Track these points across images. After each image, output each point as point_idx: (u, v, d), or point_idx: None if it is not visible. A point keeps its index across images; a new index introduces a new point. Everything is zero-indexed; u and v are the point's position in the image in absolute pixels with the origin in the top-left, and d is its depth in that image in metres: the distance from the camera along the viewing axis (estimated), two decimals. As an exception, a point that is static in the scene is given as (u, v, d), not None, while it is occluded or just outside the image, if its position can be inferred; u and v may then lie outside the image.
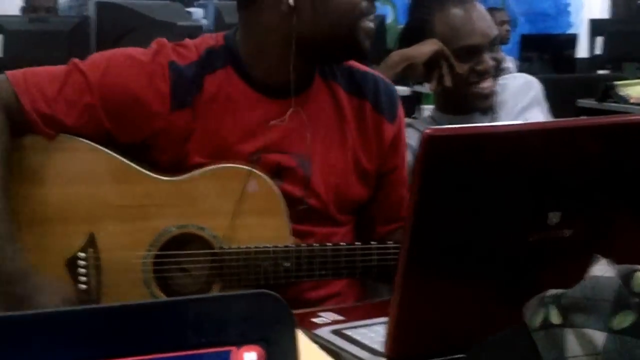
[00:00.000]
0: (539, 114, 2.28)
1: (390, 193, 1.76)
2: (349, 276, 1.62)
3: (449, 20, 2.14)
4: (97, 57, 1.63)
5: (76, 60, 1.60)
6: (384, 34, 5.58)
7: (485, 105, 2.16)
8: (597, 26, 6.23)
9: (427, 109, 5.42)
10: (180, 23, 4.32)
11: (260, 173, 1.57)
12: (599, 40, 5.99)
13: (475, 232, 1.08)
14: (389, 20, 6.54)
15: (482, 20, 2.14)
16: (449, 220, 1.06)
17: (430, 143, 0.99)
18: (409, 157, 2.15)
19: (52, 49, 4.67)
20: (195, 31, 4.34)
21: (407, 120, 2.31)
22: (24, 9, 5.37)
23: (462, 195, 1.05)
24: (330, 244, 1.57)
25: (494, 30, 2.15)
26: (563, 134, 1.10)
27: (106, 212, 1.56)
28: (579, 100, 4.47)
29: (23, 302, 1.47)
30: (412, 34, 2.21)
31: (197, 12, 6.52)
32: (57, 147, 1.57)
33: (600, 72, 6.18)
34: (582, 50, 6.42)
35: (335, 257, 1.56)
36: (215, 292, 1.55)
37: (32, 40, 4.69)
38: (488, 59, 2.12)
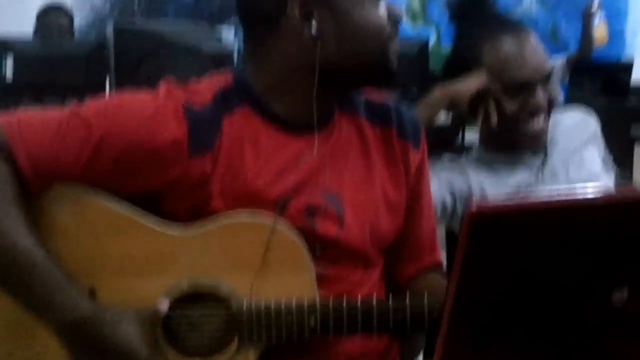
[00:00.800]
0: (595, 153, 2.18)
1: (416, 225, 1.74)
2: (381, 332, 1.58)
3: (499, 51, 2.03)
4: (102, 105, 1.55)
5: (75, 105, 1.52)
6: (426, 58, 5.50)
7: (536, 145, 2.06)
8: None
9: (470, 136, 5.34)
10: (206, 49, 4.18)
11: (284, 225, 1.52)
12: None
13: (524, 313, 1.02)
14: (432, 43, 6.45)
15: (536, 53, 2.03)
16: (494, 300, 1.01)
17: (476, 220, 0.94)
18: (447, 197, 2.05)
19: (67, 74, 4.63)
20: (224, 58, 4.21)
21: (447, 155, 2.21)
22: (36, 30, 5.27)
23: (510, 272, 1.00)
24: (359, 300, 1.52)
25: (548, 64, 2.04)
26: (627, 205, 1.01)
27: (109, 265, 1.52)
28: (634, 127, 4.38)
29: (105, 341, 1.45)
30: (458, 64, 2.10)
31: (227, 33, 6.45)
32: (56, 194, 1.51)
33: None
34: (637, 76, 6.28)
35: (365, 315, 1.51)
36: (232, 350, 1.51)
37: (44, 65, 4.65)
38: (540, 96, 2.02)
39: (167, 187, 1.53)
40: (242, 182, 1.54)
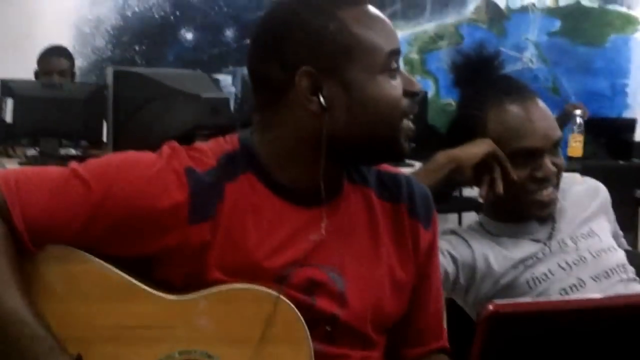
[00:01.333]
0: (605, 225, 2.08)
1: (422, 307, 1.66)
2: None
3: (505, 118, 1.96)
4: (102, 164, 1.50)
5: (75, 165, 1.47)
6: (426, 110, 5.46)
7: (544, 214, 1.98)
8: (658, 110, 6.06)
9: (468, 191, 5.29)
10: (205, 95, 4.18)
11: (285, 300, 1.44)
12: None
13: None
14: (430, 94, 6.42)
15: (544, 120, 1.97)
16: None
17: (493, 321, 0.91)
18: (450, 267, 1.94)
19: (66, 116, 4.65)
20: (221, 104, 4.22)
21: (450, 227, 2.11)
22: (37, 74, 5.28)
23: None
24: None
25: (557, 132, 1.95)
26: None
27: (97, 333, 1.44)
28: (639, 191, 4.34)
29: None
30: (462, 130, 2.02)
31: (225, 80, 6.46)
32: (48, 256, 1.45)
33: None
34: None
35: None
36: None
37: (44, 107, 4.67)
38: (549, 165, 1.93)
39: (164, 254, 1.46)
40: (242, 253, 1.47)
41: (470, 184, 2.01)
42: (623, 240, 2.17)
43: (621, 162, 5.66)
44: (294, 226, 1.50)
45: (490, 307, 0.90)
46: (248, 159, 1.51)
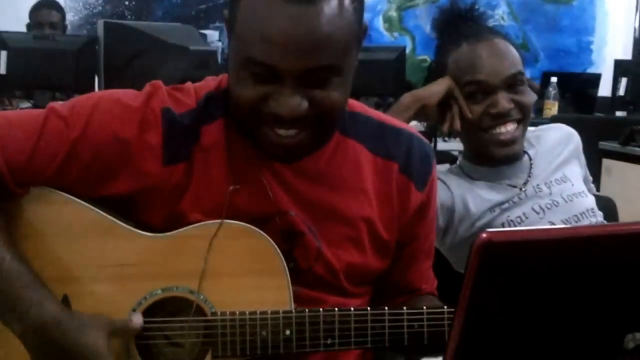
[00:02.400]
0: (577, 170, 2.09)
1: (410, 265, 1.60)
2: (359, 346, 1.42)
3: (459, 57, 1.96)
4: (81, 102, 1.43)
5: (54, 104, 1.42)
6: (404, 65, 5.43)
7: (503, 154, 1.96)
8: (621, 67, 6.07)
9: (443, 142, 5.29)
10: (193, 47, 4.15)
11: (261, 232, 1.40)
12: (623, 81, 5.83)
13: (531, 353, 0.95)
14: (408, 50, 6.39)
15: (494, 57, 1.94)
16: (501, 336, 0.94)
17: (485, 249, 0.87)
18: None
19: (58, 68, 4.59)
20: (209, 56, 4.19)
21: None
22: (29, 26, 5.22)
23: (518, 308, 0.93)
24: (337, 309, 1.40)
25: (510, 69, 1.93)
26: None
27: (82, 272, 1.41)
28: (602, 143, 4.35)
29: (69, 346, 1.32)
30: (433, 72, 2.03)
31: (212, 35, 6.40)
32: (31, 199, 1.41)
33: (619, 113, 6.03)
34: (603, 90, 6.25)
35: (343, 324, 1.40)
36: None
37: (37, 58, 4.61)
38: (502, 101, 1.92)
39: (142, 195, 1.41)
40: (219, 197, 1.41)
41: (434, 122, 2.02)
42: (592, 186, 2.20)
43: (586, 115, 5.69)
44: (269, 177, 1.44)
45: (484, 235, 0.85)
46: (225, 102, 1.44)
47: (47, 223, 1.41)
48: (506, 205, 1.97)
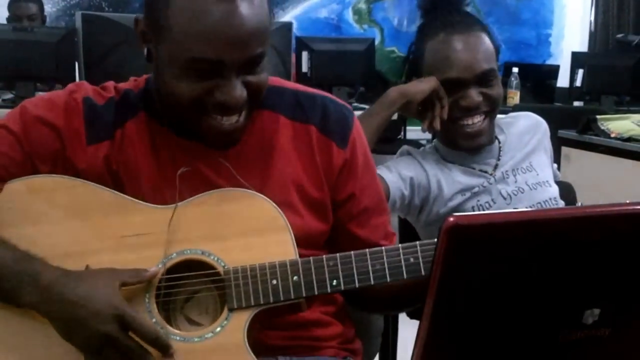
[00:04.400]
0: (544, 159, 2.11)
1: (362, 224, 1.61)
2: (363, 283, 1.45)
3: (438, 49, 1.98)
4: (11, 111, 1.54)
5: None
6: (373, 55, 5.44)
7: (469, 145, 1.98)
8: (578, 59, 6.13)
9: (412, 130, 5.32)
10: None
11: (260, 195, 1.48)
12: (580, 72, 5.89)
13: (498, 329, 0.97)
14: (377, 42, 6.40)
15: (468, 52, 1.95)
16: (470, 314, 0.96)
17: (453, 232, 0.89)
18: (406, 189, 1.95)
19: (39, 59, 4.54)
20: None
21: (406, 147, 2.12)
22: (9, 19, 5.16)
23: (485, 287, 0.95)
24: (338, 254, 1.46)
25: (483, 65, 1.94)
26: (602, 221, 0.97)
27: (101, 245, 1.46)
28: (561, 131, 4.38)
29: (79, 298, 1.34)
30: (411, 65, 2.03)
31: None
32: (43, 187, 1.48)
33: (576, 103, 6.09)
34: (561, 81, 6.30)
35: (345, 265, 1.45)
36: (224, 315, 1.44)
37: (17, 50, 4.57)
38: (473, 95, 1.94)
39: (85, 176, 1.48)
40: (147, 182, 1.50)
41: (416, 117, 2.03)
42: (558, 173, 2.21)
43: (545, 105, 5.73)
44: (191, 160, 1.50)
45: (451, 219, 0.87)
46: (145, 98, 1.52)
47: (60, 204, 1.47)
48: (476, 189, 1.99)
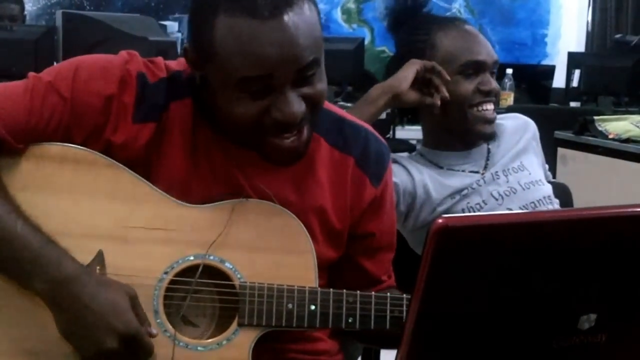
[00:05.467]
0: (534, 159, 2.11)
1: (371, 258, 1.61)
2: (378, 326, 1.46)
3: (455, 36, 1.98)
4: (63, 65, 1.47)
5: (34, 74, 1.44)
6: (362, 55, 5.43)
7: (488, 130, 1.99)
8: (574, 59, 6.13)
9: (402, 130, 5.30)
10: (152, 38, 4.12)
11: (290, 213, 1.46)
12: (576, 73, 5.90)
13: (487, 334, 0.95)
14: (367, 42, 6.41)
15: (485, 40, 2.00)
16: (458, 318, 0.93)
17: (442, 233, 0.87)
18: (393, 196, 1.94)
19: (18, 57, 4.52)
20: (168, 47, 4.17)
21: (391, 155, 2.10)
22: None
23: (474, 290, 0.93)
24: (358, 292, 1.46)
25: (495, 55, 1.98)
26: (598, 224, 0.95)
27: (119, 231, 1.43)
28: (557, 132, 4.39)
29: (87, 300, 1.34)
30: (406, 58, 2.01)
31: (171, 26, 6.35)
32: (76, 159, 1.43)
33: (573, 104, 6.09)
34: (557, 82, 6.30)
35: (364, 304, 1.45)
36: (232, 329, 1.43)
37: None
38: (493, 80, 1.96)
39: (115, 151, 1.44)
40: (173, 172, 1.46)
41: (413, 105, 2.00)
42: (549, 173, 2.21)
43: (541, 105, 5.73)
44: (225, 160, 1.47)
45: (440, 220, 0.85)
46: (194, 85, 1.47)
47: (84, 181, 1.43)
48: (465, 191, 1.97)
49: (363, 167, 1.55)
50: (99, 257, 1.40)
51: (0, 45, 4.55)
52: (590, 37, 7.51)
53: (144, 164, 1.45)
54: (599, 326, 0.93)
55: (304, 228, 1.45)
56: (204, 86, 1.42)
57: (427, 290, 0.89)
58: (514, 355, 0.94)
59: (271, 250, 1.44)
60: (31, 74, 1.44)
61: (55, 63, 4.40)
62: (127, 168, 1.43)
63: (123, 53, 1.48)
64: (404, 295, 1.44)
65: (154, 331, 1.38)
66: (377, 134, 1.62)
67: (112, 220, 1.42)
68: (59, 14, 4.36)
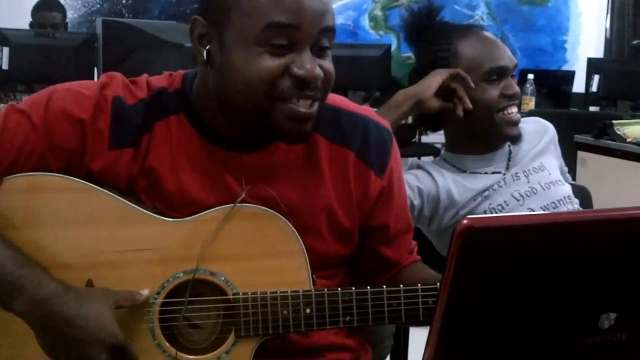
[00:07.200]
0: (553, 161, 2.10)
1: (389, 247, 1.55)
2: (377, 322, 1.40)
3: (476, 43, 1.98)
4: (39, 94, 1.41)
5: (13, 103, 1.40)
6: (389, 61, 5.41)
7: (516, 133, 2.00)
8: (594, 65, 6.08)
9: (427, 135, 5.29)
10: (188, 45, 4.11)
11: (278, 215, 1.39)
12: (596, 78, 5.85)
13: (511, 333, 0.94)
14: (393, 48, 6.38)
15: (504, 46, 2.00)
16: (482, 317, 0.92)
17: (467, 235, 0.86)
18: (416, 199, 1.93)
19: (59, 64, 4.55)
20: None
21: (416, 161, 2.10)
22: (32, 25, 5.17)
23: (498, 290, 0.92)
24: (354, 288, 1.39)
25: (515, 59, 2.00)
26: (617, 225, 0.94)
27: (105, 257, 1.36)
28: (577, 136, 4.36)
29: (71, 318, 1.27)
30: (430, 68, 2.00)
31: None
32: (49, 187, 1.36)
33: (592, 108, 6.04)
34: (577, 87, 6.25)
35: (360, 302, 1.38)
36: (230, 341, 1.38)
37: (38, 55, 4.59)
38: (515, 84, 1.96)
39: (97, 179, 1.37)
40: (170, 188, 1.39)
41: (436, 111, 1.99)
42: (568, 176, 2.20)
43: (561, 110, 5.69)
44: (222, 171, 1.41)
45: (465, 221, 0.84)
46: (182, 100, 1.41)
47: (66, 210, 1.37)
48: (488, 193, 1.97)
49: (365, 160, 1.47)
50: (89, 287, 1.35)
51: (43, 52, 4.60)
52: (609, 43, 7.46)
53: (129, 187, 1.39)
54: (619, 325, 0.92)
55: (293, 228, 1.38)
56: (209, 62, 1.34)
57: (454, 290, 0.88)
58: (536, 354, 0.93)
59: (261, 256, 1.39)
60: (10, 103, 1.40)
61: (95, 69, 4.46)
62: (105, 189, 1.37)
63: (103, 77, 1.42)
64: (401, 287, 1.38)
65: (147, 291, 1.34)
66: (377, 117, 1.54)
67: (97, 247, 1.36)
68: (99, 22, 4.39)
